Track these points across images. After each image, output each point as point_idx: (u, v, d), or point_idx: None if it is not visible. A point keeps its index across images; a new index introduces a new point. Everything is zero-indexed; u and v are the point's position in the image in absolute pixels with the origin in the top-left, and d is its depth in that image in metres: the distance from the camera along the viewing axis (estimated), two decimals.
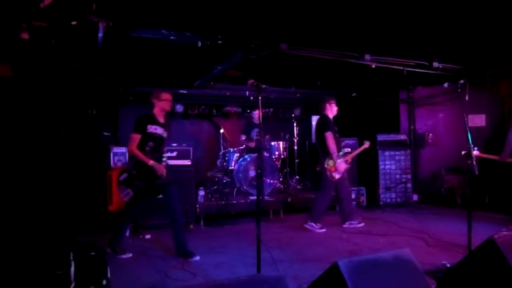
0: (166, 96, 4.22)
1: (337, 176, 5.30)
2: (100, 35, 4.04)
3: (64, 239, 3.98)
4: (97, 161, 6.06)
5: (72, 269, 2.53)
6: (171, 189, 4.22)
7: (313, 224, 5.34)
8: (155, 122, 4.16)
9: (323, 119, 5.49)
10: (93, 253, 2.84)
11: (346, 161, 5.39)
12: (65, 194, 5.60)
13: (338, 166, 5.24)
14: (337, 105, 5.55)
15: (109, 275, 2.86)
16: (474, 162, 3.44)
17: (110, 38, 4.28)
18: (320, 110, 5.63)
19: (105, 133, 6.77)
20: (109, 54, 5.12)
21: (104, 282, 2.70)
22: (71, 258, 2.59)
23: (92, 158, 6.12)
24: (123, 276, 3.62)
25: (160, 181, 4.10)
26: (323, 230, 5.31)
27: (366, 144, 5.72)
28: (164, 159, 4.25)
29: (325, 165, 5.27)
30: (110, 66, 5.84)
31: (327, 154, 5.26)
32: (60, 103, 5.97)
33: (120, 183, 4.11)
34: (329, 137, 5.23)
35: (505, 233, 2.78)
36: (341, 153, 5.37)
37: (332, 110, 5.47)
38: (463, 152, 3.54)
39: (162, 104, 4.19)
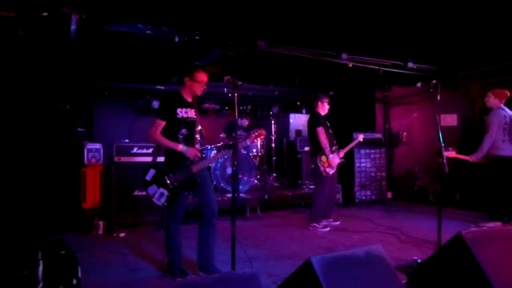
0: (202, 76, 3.43)
1: (331, 171, 5.31)
2: (73, 27, 3.93)
3: (33, 237, 3.86)
4: (70, 158, 5.90)
5: (40, 268, 2.45)
6: (208, 179, 3.59)
7: (315, 224, 5.32)
8: (184, 103, 3.44)
9: (314, 115, 5.51)
10: (63, 252, 2.76)
11: (339, 156, 5.42)
12: (35, 192, 5.44)
13: (331, 160, 5.26)
14: (329, 104, 5.57)
15: (80, 274, 2.79)
16: (445, 161, 3.53)
17: (84, 31, 4.16)
18: (312, 107, 5.65)
19: (79, 129, 6.61)
20: (83, 48, 4.98)
21: (75, 281, 2.63)
22: (39, 257, 2.51)
23: (65, 155, 5.97)
24: (95, 275, 3.54)
25: (195, 167, 3.38)
26: (327, 229, 5.27)
27: (360, 138, 5.76)
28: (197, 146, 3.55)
29: (318, 162, 5.28)
30: (84, 60, 5.68)
31: (320, 150, 5.27)
32: (31, 98, 5.79)
33: (148, 184, 3.35)
34: (321, 132, 5.26)
35: (473, 229, 2.86)
36: (333, 148, 5.39)
37: (324, 108, 5.49)
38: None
39: (193, 86, 3.43)
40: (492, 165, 5.21)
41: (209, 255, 3.45)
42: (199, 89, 3.46)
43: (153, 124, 3.37)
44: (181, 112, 3.39)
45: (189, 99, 3.51)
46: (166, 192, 3.32)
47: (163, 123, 3.36)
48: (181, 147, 3.33)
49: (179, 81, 6.79)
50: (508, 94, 5.35)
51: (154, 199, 3.33)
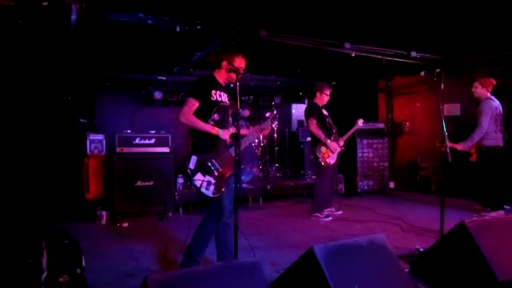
0: (242, 63, 3.21)
1: (331, 161, 5.29)
2: (74, 17, 3.90)
3: (38, 227, 3.89)
4: (73, 149, 5.93)
5: (45, 257, 2.48)
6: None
7: (317, 214, 5.33)
8: (219, 86, 3.19)
9: (309, 106, 5.48)
10: (66, 241, 2.79)
11: (339, 144, 5.37)
12: (39, 182, 5.47)
13: (330, 146, 5.21)
14: (330, 95, 5.47)
15: (83, 263, 2.81)
16: (448, 150, 3.51)
17: (84, 20, 4.13)
18: (312, 96, 5.61)
19: (81, 120, 6.62)
20: (84, 38, 4.96)
21: (78, 270, 2.66)
22: (43, 246, 2.53)
23: (68, 145, 5.99)
24: (99, 264, 3.56)
25: (233, 150, 3.10)
26: (329, 218, 5.28)
27: (359, 122, 5.56)
28: None
29: (318, 153, 5.25)
30: (85, 50, 5.67)
31: (318, 141, 5.25)
32: (33, 89, 5.78)
33: (194, 172, 2.98)
34: (310, 122, 5.24)
35: (475, 218, 2.86)
36: (332, 138, 5.33)
37: (322, 100, 5.43)
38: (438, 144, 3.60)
39: (228, 72, 3.21)
40: (486, 156, 5.23)
41: (231, 258, 3.14)
42: (232, 76, 3.18)
43: (187, 104, 3.04)
44: (216, 95, 3.11)
45: (223, 83, 3.27)
46: (212, 180, 3.01)
47: (197, 104, 3.04)
48: (217, 129, 3.06)
49: (181, 72, 6.81)
50: (495, 82, 5.34)
51: (202, 190, 2.98)
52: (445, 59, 6.56)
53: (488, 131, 5.20)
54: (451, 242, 2.75)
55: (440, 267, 2.77)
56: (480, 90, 5.35)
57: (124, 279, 3.24)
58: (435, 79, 3.62)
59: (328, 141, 5.22)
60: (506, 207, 5.80)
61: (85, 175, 5.46)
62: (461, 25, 5.11)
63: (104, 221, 5.22)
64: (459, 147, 5.20)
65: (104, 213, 5.26)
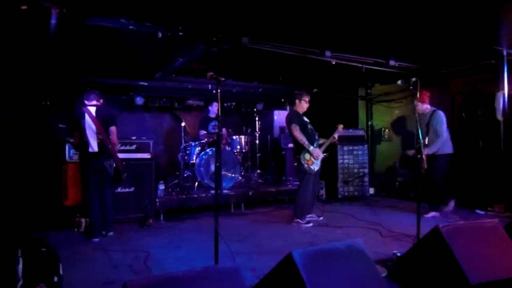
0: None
1: (316, 168, 5.33)
2: (53, 21, 3.85)
3: (13, 235, 3.79)
4: (51, 154, 5.81)
5: (20, 265, 2.43)
6: None
7: (299, 220, 5.35)
8: None
9: (290, 113, 5.54)
10: (43, 249, 2.74)
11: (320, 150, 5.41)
12: (16, 189, 5.34)
13: (314, 153, 5.26)
14: (309, 102, 5.55)
15: (61, 271, 2.77)
16: (424, 157, 3.62)
17: (64, 25, 4.08)
18: (291, 104, 5.69)
19: (60, 125, 6.50)
20: (64, 42, 4.89)
21: (56, 279, 2.61)
22: (19, 254, 2.48)
23: (46, 151, 5.87)
24: (77, 272, 3.50)
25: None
26: (310, 224, 5.31)
27: (339, 128, 5.57)
28: None
29: (302, 161, 5.29)
30: (65, 55, 5.59)
31: (302, 148, 5.30)
32: (10, 94, 5.67)
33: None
34: (294, 128, 5.28)
35: (449, 222, 2.95)
36: (315, 144, 5.39)
37: (301, 107, 5.49)
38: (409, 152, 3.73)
39: None
40: (446, 162, 5.49)
41: None
42: None
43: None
44: None
45: None
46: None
47: None
48: None
49: (163, 77, 6.80)
50: (429, 93, 5.69)
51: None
52: (423, 68, 6.75)
53: (447, 139, 5.52)
54: (426, 247, 2.83)
55: (416, 271, 2.84)
56: (421, 106, 5.61)
57: (103, 287, 3.20)
58: (411, 87, 3.73)
59: (311, 147, 5.27)
60: (480, 212, 6.00)
61: (64, 181, 5.36)
62: (438, 35, 5.27)
63: (83, 229, 5.13)
64: (424, 152, 5.43)
65: (83, 220, 5.16)
